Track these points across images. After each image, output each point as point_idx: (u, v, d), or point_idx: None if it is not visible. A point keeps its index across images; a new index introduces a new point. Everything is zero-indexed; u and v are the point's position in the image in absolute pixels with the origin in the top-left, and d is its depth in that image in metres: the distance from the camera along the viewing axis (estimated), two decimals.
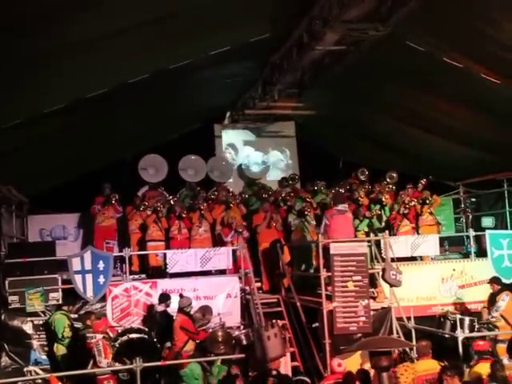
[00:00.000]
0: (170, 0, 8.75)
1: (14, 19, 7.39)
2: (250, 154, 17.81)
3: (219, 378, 9.88)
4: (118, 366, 9.96)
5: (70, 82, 10.00)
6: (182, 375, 10.25)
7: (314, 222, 13.88)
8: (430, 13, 9.89)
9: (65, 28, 8.19)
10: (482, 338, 10.35)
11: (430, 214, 14.46)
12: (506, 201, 15.96)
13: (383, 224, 14.43)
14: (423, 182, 15.09)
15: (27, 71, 8.82)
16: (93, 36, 8.68)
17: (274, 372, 9.09)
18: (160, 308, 11.68)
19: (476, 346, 8.82)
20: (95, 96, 10.67)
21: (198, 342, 10.81)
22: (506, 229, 15.05)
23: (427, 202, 14.37)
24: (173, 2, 8.84)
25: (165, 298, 11.73)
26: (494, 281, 11.68)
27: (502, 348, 10.41)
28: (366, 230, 13.83)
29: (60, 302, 11.93)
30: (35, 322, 11.79)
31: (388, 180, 15.32)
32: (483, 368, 8.21)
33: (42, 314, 11.83)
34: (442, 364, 8.44)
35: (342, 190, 14.88)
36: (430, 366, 8.50)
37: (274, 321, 10.37)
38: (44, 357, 11.62)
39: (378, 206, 14.33)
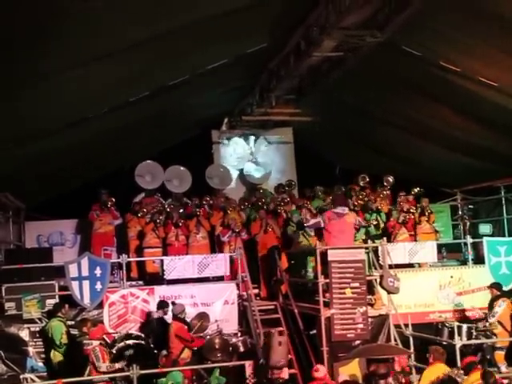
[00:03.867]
0: (168, 17, 8.73)
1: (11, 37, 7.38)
2: (249, 160, 17.81)
3: None
4: (117, 367, 9.81)
5: (70, 103, 10.05)
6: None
7: (313, 234, 13.84)
8: (426, 17, 9.91)
9: (63, 46, 8.19)
10: (475, 352, 10.48)
11: (428, 221, 14.43)
12: (504, 208, 15.97)
13: (380, 231, 14.34)
14: (416, 190, 15.02)
15: (29, 90, 8.85)
16: (93, 56, 8.68)
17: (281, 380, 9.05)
18: (156, 315, 11.63)
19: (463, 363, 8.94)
20: (96, 116, 10.72)
21: (194, 349, 10.74)
22: (504, 236, 15.03)
23: (425, 213, 14.34)
24: (171, 19, 8.83)
25: (162, 305, 11.68)
26: (494, 286, 11.69)
27: (499, 355, 10.46)
28: (364, 237, 13.78)
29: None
30: (32, 329, 11.72)
31: (384, 184, 15.27)
32: (477, 376, 8.27)
33: (39, 321, 11.76)
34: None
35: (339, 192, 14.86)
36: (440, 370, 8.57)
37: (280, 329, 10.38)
38: (40, 364, 11.52)
39: (374, 215, 14.26)
